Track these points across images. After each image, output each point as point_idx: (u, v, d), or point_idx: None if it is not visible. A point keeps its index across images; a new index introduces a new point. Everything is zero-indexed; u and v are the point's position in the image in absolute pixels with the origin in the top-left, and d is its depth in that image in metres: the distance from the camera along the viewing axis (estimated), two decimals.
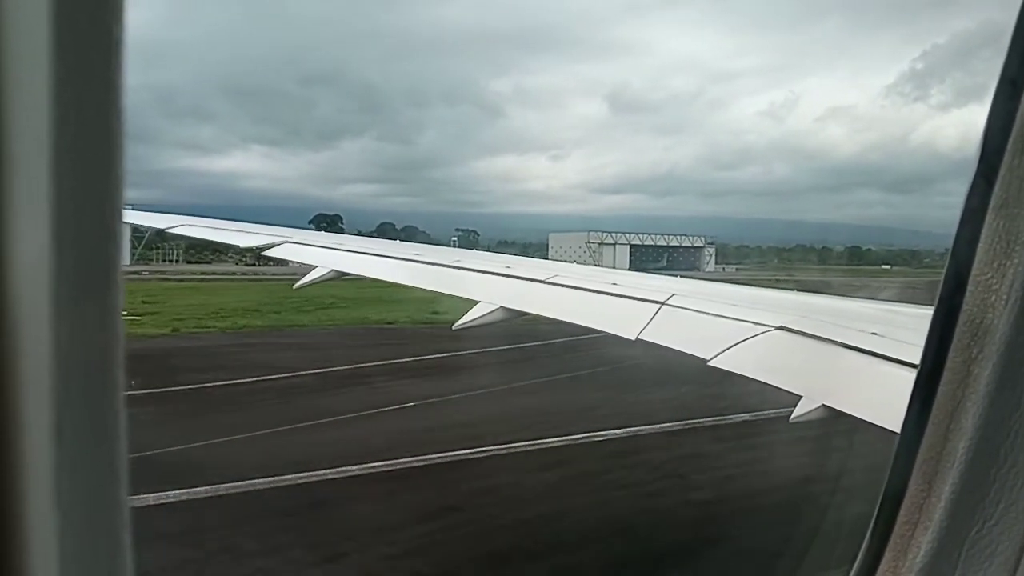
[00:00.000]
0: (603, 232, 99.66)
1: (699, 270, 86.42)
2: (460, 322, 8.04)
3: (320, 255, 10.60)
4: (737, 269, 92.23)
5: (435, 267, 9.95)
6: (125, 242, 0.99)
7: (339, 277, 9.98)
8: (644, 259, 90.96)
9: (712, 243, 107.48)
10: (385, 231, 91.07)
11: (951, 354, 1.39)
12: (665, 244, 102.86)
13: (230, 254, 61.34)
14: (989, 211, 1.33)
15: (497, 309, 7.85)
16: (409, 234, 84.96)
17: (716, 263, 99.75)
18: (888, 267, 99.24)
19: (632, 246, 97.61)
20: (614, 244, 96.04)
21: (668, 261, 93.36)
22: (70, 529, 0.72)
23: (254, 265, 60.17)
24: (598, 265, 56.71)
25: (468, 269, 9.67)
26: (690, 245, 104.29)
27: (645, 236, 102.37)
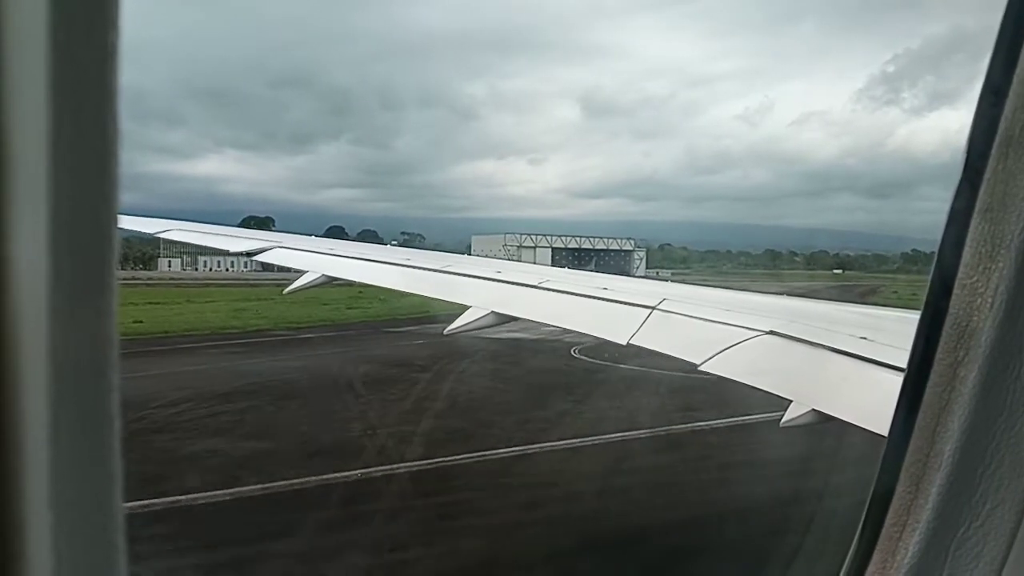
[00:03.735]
0: (522, 234, 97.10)
1: (627, 275, 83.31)
2: (452, 327, 8.03)
3: (311, 260, 10.57)
4: (672, 274, 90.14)
5: (426, 272, 9.94)
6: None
7: (329, 282, 9.97)
8: (569, 263, 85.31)
9: (642, 247, 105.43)
10: (335, 235, 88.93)
11: (938, 357, 1.40)
12: (591, 247, 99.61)
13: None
14: (974, 215, 1.34)
15: (488, 314, 7.85)
16: (365, 238, 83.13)
17: (647, 267, 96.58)
18: (840, 271, 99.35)
19: (554, 249, 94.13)
20: (534, 247, 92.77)
21: (597, 265, 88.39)
22: (65, 531, 0.72)
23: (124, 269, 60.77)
24: None
25: (459, 274, 9.66)
26: (619, 249, 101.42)
27: (569, 239, 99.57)
